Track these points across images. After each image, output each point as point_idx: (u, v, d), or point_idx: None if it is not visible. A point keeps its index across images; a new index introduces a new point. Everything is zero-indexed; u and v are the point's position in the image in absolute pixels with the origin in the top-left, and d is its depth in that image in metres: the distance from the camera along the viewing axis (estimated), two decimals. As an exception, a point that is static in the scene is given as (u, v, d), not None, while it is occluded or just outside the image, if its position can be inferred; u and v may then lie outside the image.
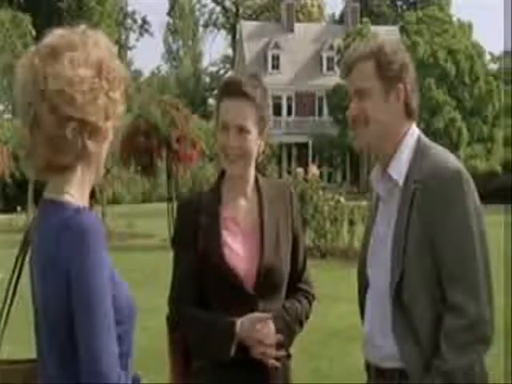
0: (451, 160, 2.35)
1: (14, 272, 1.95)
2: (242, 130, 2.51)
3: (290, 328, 2.54)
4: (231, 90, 2.55)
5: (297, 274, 2.65)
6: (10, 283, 1.96)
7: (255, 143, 2.55)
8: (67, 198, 1.80)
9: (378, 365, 2.40)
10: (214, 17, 69.70)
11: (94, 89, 1.77)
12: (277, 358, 2.46)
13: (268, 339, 2.43)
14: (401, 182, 2.37)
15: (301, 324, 2.61)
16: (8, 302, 1.97)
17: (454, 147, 35.86)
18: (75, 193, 1.82)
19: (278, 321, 2.48)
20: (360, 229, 14.30)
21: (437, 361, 2.23)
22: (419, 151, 2.39)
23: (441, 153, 2.39)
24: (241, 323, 2.43)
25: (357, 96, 2.42)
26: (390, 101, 2.40)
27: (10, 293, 1.96)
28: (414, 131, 2.45)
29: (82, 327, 1.68)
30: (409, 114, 2.44)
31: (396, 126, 2.42)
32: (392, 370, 2.34)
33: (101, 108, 1.79)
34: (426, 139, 2.45)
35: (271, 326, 2.45)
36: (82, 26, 1.86)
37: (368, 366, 2.48)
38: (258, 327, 2.43)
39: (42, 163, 1.81)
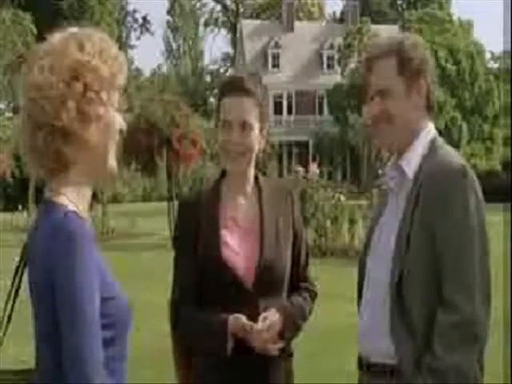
0: (455, 158, 2.35)
1: (15, 274, 1.95)
2: (245, 126, 2.51)
3: (294, 321, 2.53)
4: (232, 87, 2.55)
5: (299, 273, 2.65)
6: (12, 285, 1.96)
7: (257, 140, 2.55)
8: (62, 199, 1.80)
9: (371, 360, 2.39)
10: (214, 15, 69.68)
11: (62, 94, 1.76)
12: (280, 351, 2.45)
13: (269, 330, 2.41)
14: (411, 175, 2.37)
15: (304, 319, 2.61)
16: (10, 304, 1.97)
17: (454, 146, 35.72)
18: (71, 194, 1.82)
19: (283, 312, 2.47)
20: (360, 227, 14.33)
21: (427, 358, 2.22)
22: (432, 149, 2.40)
23: (448, 152, 2.39)
24: (232, 318, 2.42)
25: (379, 95, 2.41)
26: (412, 97, 2.41)
27: (12, 295, 1.96)
28: (431, 129, 2.47)
29: (66, 332, 1.68)
30: (430, 108, 2.45)
31: (418, 122, 2.43)
32: (384, 365, 2.33)
33: (73, 112, 1.77)
34: (440, 139, 2.45)
35: (273, 317, 2.44)
36: (74, 28, 1.86)
37: (360, 362, 2.46)
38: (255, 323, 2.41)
39: (36, 166, 1.83)
